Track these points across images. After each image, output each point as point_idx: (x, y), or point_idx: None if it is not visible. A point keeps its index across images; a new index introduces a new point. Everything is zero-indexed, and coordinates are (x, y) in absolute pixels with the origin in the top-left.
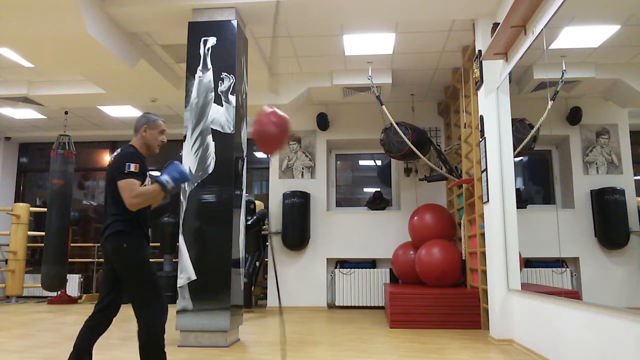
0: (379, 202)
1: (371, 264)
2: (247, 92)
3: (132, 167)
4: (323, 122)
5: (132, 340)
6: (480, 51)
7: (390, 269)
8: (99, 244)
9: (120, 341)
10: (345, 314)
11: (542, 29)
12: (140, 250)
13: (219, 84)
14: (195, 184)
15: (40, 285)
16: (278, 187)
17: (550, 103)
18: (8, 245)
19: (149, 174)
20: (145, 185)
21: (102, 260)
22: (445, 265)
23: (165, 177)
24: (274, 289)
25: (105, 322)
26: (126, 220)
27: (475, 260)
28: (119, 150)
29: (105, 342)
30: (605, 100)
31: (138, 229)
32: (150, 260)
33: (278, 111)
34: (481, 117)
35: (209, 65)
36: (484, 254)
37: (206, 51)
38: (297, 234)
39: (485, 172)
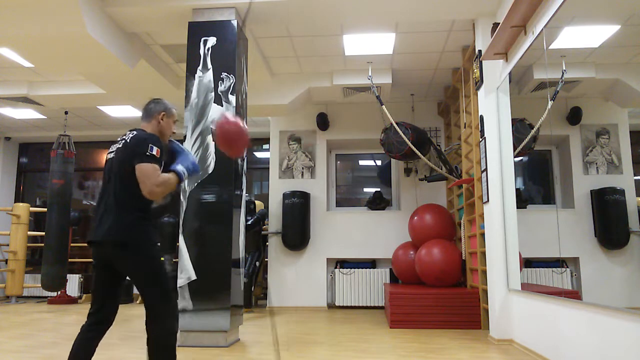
0: (379, 202)
1: (371, 264)
2: (247, 92)
3: (155, 151)
4: (323, 122)
5: (131, 340)
6: (480, 51)
7: (390, 269)
8: None
9: (119, 341)
10: (345, 314)
11: (542, 29)
12: (156, 248)
13: (219, 84)
14: (196, 184)
15: (40, 285)
16: (278, 187)
17: (550, 103)
18: (8, 245)
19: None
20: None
21: None
22: (445, 265)
23: (181, 167)
24: (273, 289)
25: (103, 332)
26: (140, 211)
27: (475, 260)
28: (132, 132)
29: (105, 342)
30: (605, 100)
31: (152, 224)
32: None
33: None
34: (481, 117)
35: (209, 65)
36: (484, 254)
37: (206, 51)
38: (297, 234)
39: (485, 172)
